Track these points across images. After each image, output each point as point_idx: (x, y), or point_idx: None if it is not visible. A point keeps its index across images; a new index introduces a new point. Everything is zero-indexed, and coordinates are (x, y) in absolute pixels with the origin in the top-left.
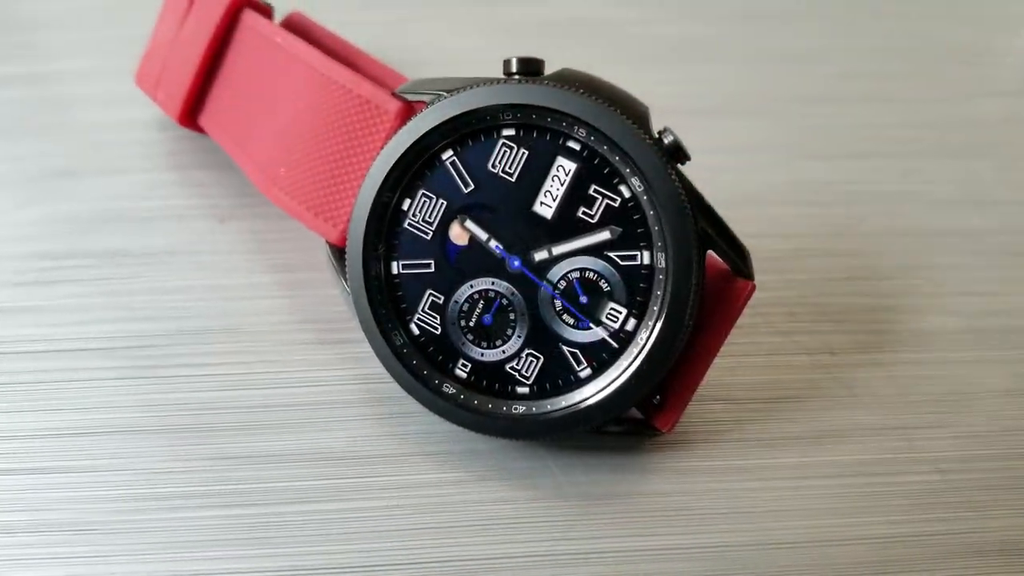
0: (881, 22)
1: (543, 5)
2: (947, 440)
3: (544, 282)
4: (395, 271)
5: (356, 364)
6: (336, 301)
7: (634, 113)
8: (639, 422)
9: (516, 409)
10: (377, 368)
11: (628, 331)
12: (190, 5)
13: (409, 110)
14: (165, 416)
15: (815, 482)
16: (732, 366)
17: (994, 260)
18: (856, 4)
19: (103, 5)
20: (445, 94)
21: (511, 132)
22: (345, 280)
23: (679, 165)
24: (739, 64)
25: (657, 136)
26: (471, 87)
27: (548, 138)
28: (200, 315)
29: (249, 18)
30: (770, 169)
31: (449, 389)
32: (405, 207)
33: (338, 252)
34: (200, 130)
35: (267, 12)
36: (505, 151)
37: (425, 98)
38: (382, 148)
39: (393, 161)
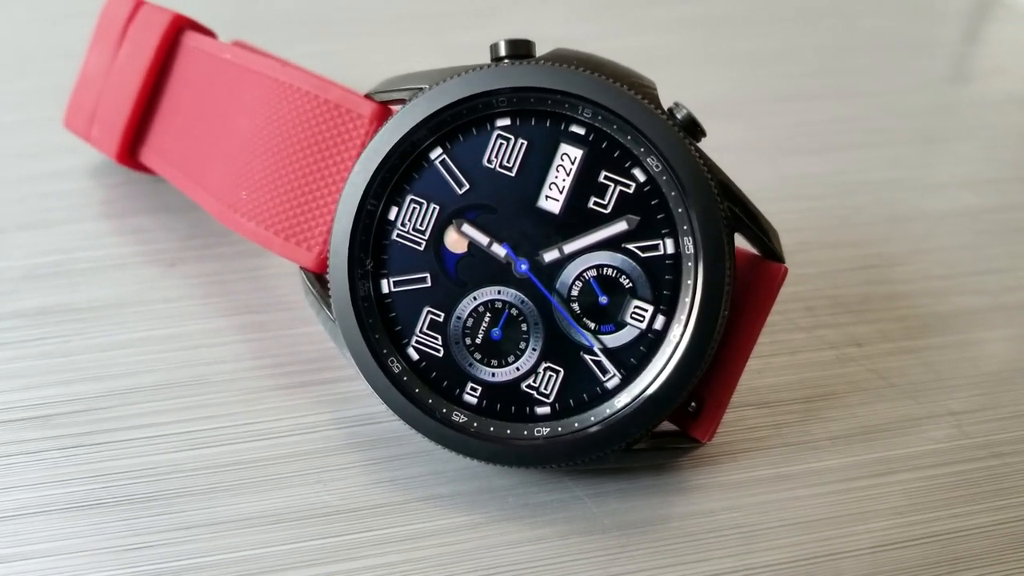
0: (833, 21)
1: (495, 27)
2: (995, 423)
3: (552, 293)
4: (386, 290)
5: (338, 406)
6: (308, 340)
7: (642, 89)
8: (674, 435)
9: (539, 432)
10: (364, 409)
11: (657, 330)
12: (124, 31)
13: (385, 113)
14: (124, 485)
15: (868, 482)
16: (759, 368)
17: (1000, 238)
18: (806, 5)
19: (19, 56)
20: (427, 87)
21: (506, 121)
22: (328, 308)
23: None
24: (705, 69)
25: (669, 111)
26: (457, 75)
27: (548, 124)
28: (156, 369)
29: (191, 39)
30: (756, 168)
31: (459, 417)
32: (392, 216)
33: (317, 279)
34: (141, 167)
35: (209, 34)
36: (501, 143)
37: (404, 96)
38: (360, 155)
39: (376, 164)
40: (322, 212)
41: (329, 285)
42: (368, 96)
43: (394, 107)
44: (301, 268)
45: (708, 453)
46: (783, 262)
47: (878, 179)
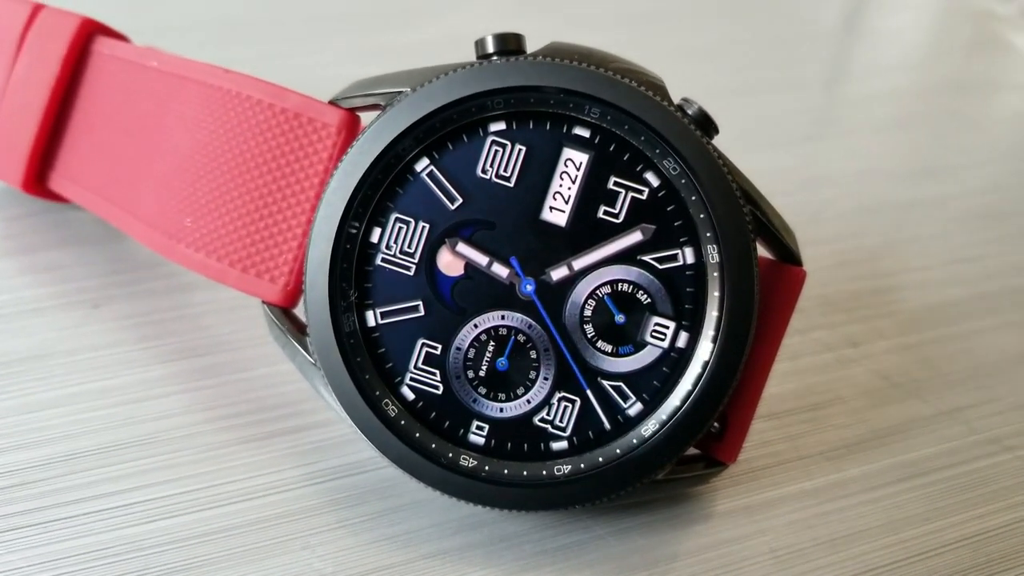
0: (763, 12)
1: (427, 27)
2: (999, 416)
3: (553, 321)
4: (372, 323)
5: (314, 457)
6: (267, 384)
7: (651, 85)
8: (696, 459)
9: (559, 470)
10: (345, 458)
11: (681, 348)
12: (20, 40)
13: (354, 121)
14: (77, 573)
15: (891, 489)
16: None
17: (966, 224)
18: None
19: None
20: (408, 91)
21: (501, 126)
22: (304, 348)
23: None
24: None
25: (679, 108)
26: (444, 75)
27: (549, 127)
28: (95, 429)
29: (103, 45)
30: None
31: (467, 461)
32: (375, 239)
33: (284, 314)
34: (51, 196)
35: (122, 39)
36: (496, 150)
37: (378, 100)
38: (331, 170)
39: (356, 181)
40: (285, 238)
41: (307, 322)
42: (333, 103)
43: (363, 113)
44: (264, 303)
45: (727, 474)
46: (801, 265)
47: (841, 171)
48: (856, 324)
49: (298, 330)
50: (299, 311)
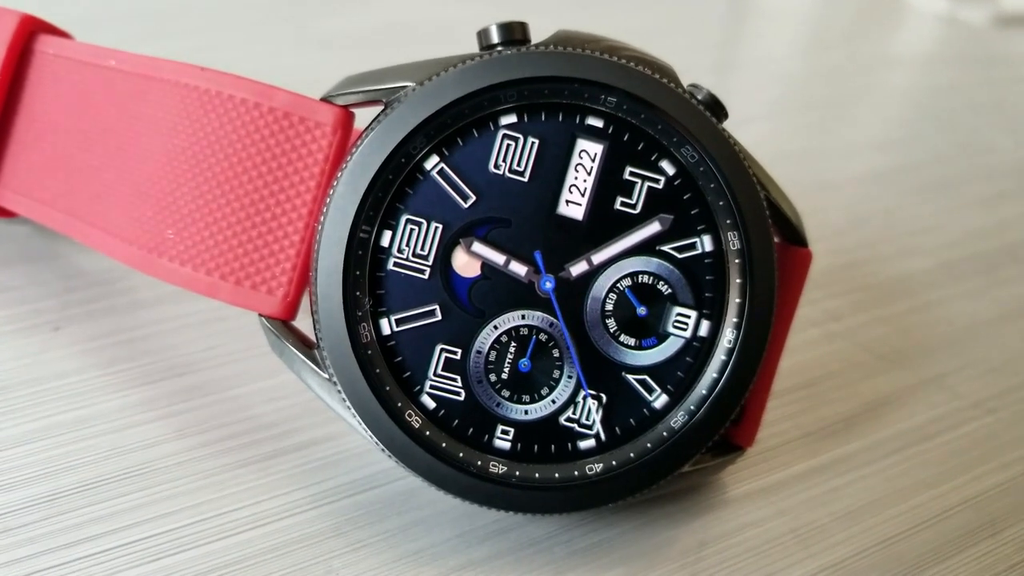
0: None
1: (358, 15)
2: (978, 379)
3: (567, 320)
4: (387, 331)
5: (323, 475)
6: (259, 400)
7: (664, 72)
8: (712, 445)
9: (591, 469)
10: (356, 472)
11: (703, 337)
12: None
13: (349, 119)
14: None
15: (891, 460)
16: None
17: (920, 196)
18: None
19: None
20: (413, 86)
21: (511, 119)
22: (314, 362)
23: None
24: None
25: (690, 94)
26: (452, 68)
27: (561, 119)
28: (78, 463)
29: (48, 45)
30: None
31: (497, 468)
32: (385, 242)
33: (284, 327)
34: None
35: (65, 36)
36: (508, 144)
37: (377, 96)
38: (327, 172)
39: (367, 182)
40: (282, 246)
41: (319, 335)
42: (326, 100)
43: (356, 110)
44: (262, 316)
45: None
46: (807, 246)
47: (793, 148)
48: (834, 299)
49: (301, 342)
50: (298, 322)
